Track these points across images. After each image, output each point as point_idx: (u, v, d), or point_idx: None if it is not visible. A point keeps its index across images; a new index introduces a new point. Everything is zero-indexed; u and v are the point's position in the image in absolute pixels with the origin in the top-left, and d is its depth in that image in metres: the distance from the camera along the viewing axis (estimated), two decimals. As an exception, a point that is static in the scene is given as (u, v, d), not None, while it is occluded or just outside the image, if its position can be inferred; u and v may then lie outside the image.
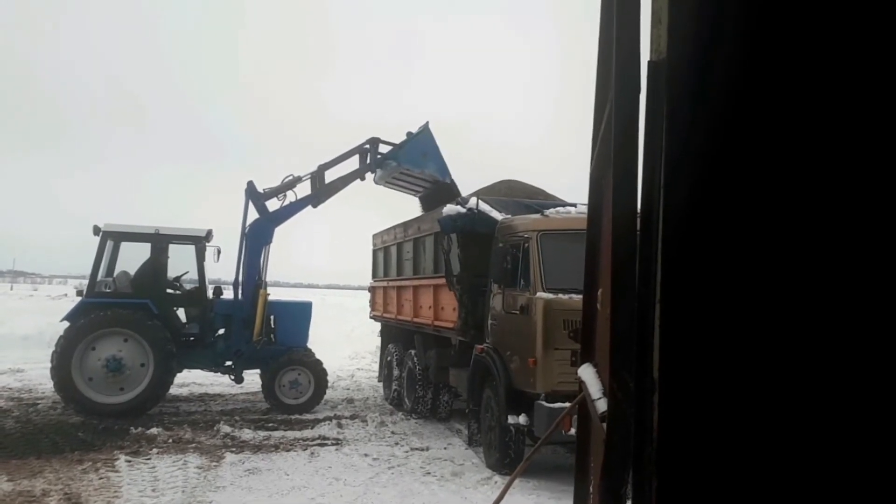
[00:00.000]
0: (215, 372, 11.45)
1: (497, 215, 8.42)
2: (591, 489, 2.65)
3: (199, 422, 9.79)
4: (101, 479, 6.92)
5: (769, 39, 1.29)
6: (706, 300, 1.29)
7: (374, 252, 13.78)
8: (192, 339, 11.10)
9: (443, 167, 11.40)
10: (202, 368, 11.38)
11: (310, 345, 11.61)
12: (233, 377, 11.30)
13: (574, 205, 8.31)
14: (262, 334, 11.15)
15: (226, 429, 9.20)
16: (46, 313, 20.27)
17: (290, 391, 10.87)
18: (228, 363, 11.13)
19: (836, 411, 1.24)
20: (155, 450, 8.11)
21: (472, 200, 8.56)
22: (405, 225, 11.43)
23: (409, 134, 11.73)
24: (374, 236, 13.71)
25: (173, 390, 12.47)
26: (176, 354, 10.31)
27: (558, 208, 8.14)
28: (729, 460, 1.29)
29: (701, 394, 1.30)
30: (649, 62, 1.48)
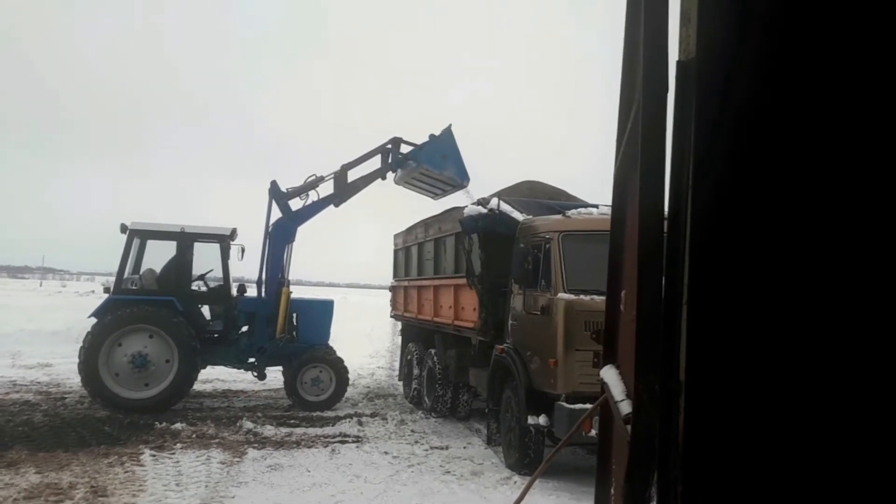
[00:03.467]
0: (238, 369, 11.56)
1: (518, 216, 8.39)
2: (611, 491, 2.64)
3: (222, 418, 9.89)
4: (126, 472, 7.02)
5: (800, 39, 1.28)
6: (734, 302, 1.28)
7: (395, 252, 13.81)
8: (216, 336, 11.22)
9: (462, 169, 11.42)
10: (226, 365, 11.50)
11: (331, 343, 11.68)
12: (255, 374, 11.40)
13: (596, 206, 8.26)
14: (285, 332, 11.23)
15: (248, 425, 9.28)
16: (74, 309, 20.60)
17: (312, 388, 10.94)
18: (251, 360, 11.23)
19: (868, 417, 1.22)
20: (179, 445, 8.21)
21: (494, 201, 8.54)
22: (426, 225, 11.45)
23: (431, 136, 11.75)
24: (396, 236, 13.75)
25: (197, 386, 12.61)
26: (200, 351, 10.43)
27: (580, 209, 8.09)
28: (757, 466, 1.28)
29: (728, 397, 1.29)
30: (678, 62, 1.46)
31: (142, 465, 7.29)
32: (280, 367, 11.34)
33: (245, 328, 11.31)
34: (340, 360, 11.16)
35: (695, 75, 1.37)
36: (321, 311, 11.87)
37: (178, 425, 9.08)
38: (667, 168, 1.53)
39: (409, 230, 12.60)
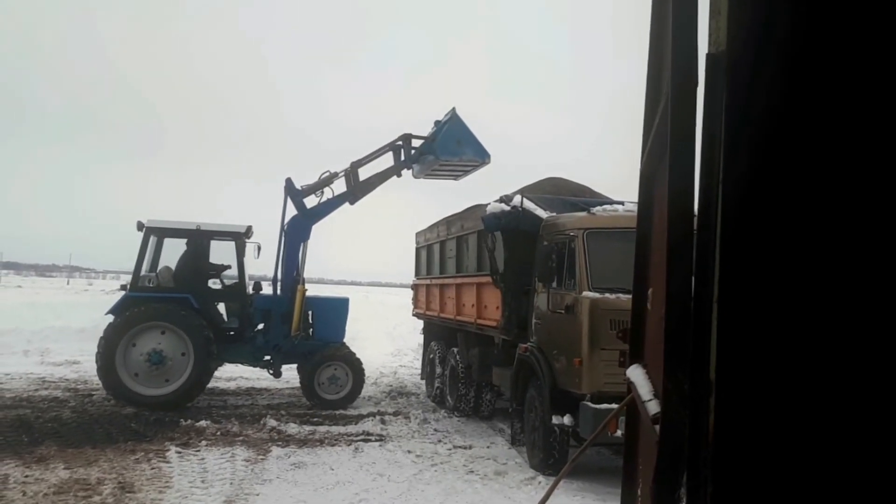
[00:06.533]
0: (254, 366, 11.60)
1: (542, 213, 8.34)
2: (638, 492, 2.61)
3: (246, 415, 9.97)
4: (152, 469, 7.11)
5: (831, 30, 1.25)
6: (767, 299, 1.25)
7: (417, 250, 13.83)
8: (231, 333, 11.29)
9: (479, 149, 11.41)
10: (242, 363, 11.55)
11: (353, 341, 11.71)
12: (271, 371, 11.43)
13: (622, 202, 8.18)
14: (300, 329, 11.24)
15: (272, 423, 9.35)
16: (100, 307, 20.82)
17: (330, 387, 10.92)
18: (267, 358, 11.26)
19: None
20: (204, 442, 8.29)
21: (517, 198, 8.49)
22: (448, 223, 11.44)
23: (437, 123, 11.70)
24: (418, 234, 13.76)
25: (221, 384, 12.75)
26: (215, 348, 10.47)
27: (605, 206, 8.02)
28: (788, 466, 1.25)
29: (760, 397, 1.26)
30: (708, 54, 1.44)
31: (168, 462, 7.37)
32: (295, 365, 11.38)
33: (261, 326, 11.35)
34: (356, 357, 11.17)
35: (725, 68, 1.34)
36: (336, 309, 11.89)
37: (202, 423, 9.17)
38: (696, 162, 1.50)
39: (431, 228, 12.60)
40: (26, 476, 6.63)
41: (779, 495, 1.27)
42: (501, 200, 8.61)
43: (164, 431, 8.77)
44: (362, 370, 11.18)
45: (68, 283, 61.57)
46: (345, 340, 11.78)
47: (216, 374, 13.36)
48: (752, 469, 1.27)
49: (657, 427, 1.66)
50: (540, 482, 7.11)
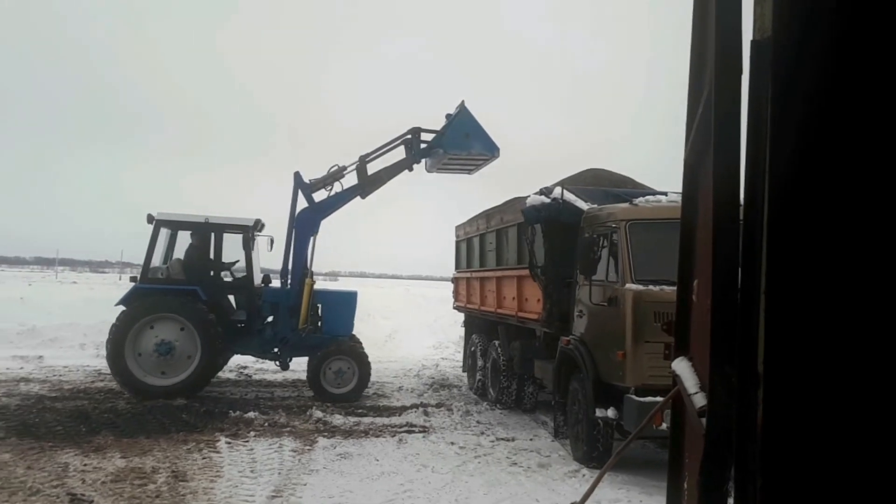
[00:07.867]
0: (263, 358, 11.73)
1: (583, 205, 8.26)
2: (684, 486, 2.58)
3: (293, 407, 10.16)
4: (204, 458, 7.31)
5: (878, 15, 1.21)
6: (816, 290, 1.23)
7: (458, 243, 13.86)
8: (241, 325, 11.44)
9: (488, 143, 11.38)
10: (251, 354, 11.71)
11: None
12: (279, 363, 11.54)
13: (665, 193, 8.05)
14: (308, 322, 11.31)
15: (318, 414, 9.51)
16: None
17: (336, 381, 10.89)
18: (276, 350, 11.37)
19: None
20: (252, 433, 8.49)
21: (557, 190, 8.43)
22: (488, 216, 11.43)
23: (447, 116, 11.68)
24: (457, 227, 13.79)
25: (268, 376, 13.01)
26: (223, 339, 10.61)
27: (648, 197, 7.91)
28: (840, 460, 1.23)
29: (810, 389, 1.25)
30: (752, 42, 1.41)
31: (218, 452, 7.57)
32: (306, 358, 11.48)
33: (270, 318, 11.47)
34: (363, 352, 11.22)
35: (771, 55, 1.32)
36: (344, 303, 11.92)
37: (251, 414, 9.38)
38: (741, 152, 1.48)
39: (471, 221, 12.61)
40: (85, 464, 6.89)
41: (829, 489, 1.25)
42: (541, 192, 8.56)
43: (214, 422, 8.99)
44: (368, 364, 11.12)
45: (120, 279, 63.27)
46: (361, 333, 11.73)
47: (263, 366, 13.66)
48: (802, 463, 1.25)
49: (704, 420, 1.65)
50: (584, 475, 7.08)
